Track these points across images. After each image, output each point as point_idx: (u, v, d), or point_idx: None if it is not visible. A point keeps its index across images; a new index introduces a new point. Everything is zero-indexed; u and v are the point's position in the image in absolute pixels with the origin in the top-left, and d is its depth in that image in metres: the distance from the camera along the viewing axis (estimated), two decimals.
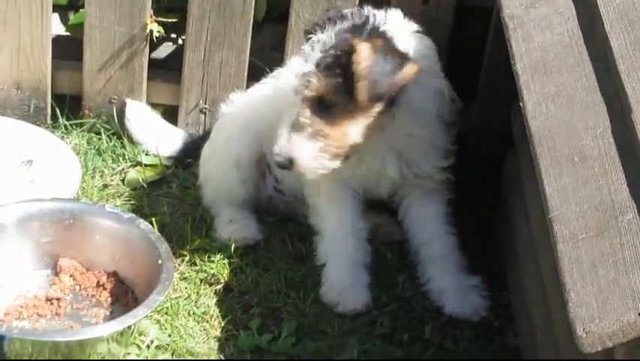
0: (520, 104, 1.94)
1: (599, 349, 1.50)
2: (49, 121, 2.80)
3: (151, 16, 2.63)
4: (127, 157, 2.71)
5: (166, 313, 2.35)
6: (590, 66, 1.91)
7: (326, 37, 2.25)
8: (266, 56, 2.78)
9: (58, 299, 2.34)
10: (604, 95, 1.85)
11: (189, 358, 2.27)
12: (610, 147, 1.76)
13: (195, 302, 2.40)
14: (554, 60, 1.97)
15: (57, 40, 2.81)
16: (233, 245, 2.52)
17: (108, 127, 2.74)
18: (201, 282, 2.45)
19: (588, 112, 1.84)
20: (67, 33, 2.87)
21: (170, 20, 2.71)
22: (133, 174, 2.68)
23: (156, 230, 2.44)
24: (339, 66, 2.22)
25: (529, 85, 1.95)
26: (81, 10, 2.69)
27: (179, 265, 2.47)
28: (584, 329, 1.51)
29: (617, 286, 1.56)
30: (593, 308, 1.52)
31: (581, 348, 1.50)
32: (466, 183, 2.67)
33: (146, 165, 2.74)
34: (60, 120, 2.80)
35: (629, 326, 1.49)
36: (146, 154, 2.77)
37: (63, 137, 2.75)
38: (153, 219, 2.51)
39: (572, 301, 1.55)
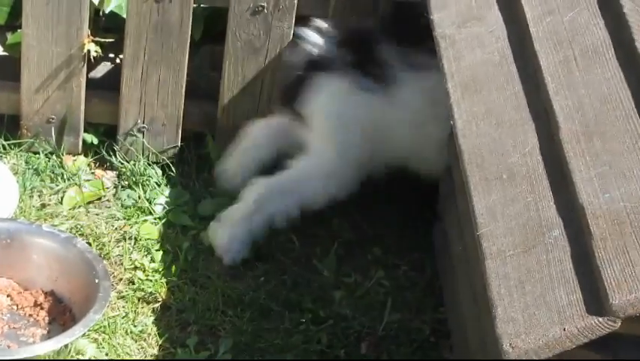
0: (451, 122, 1.95)
1: None
2: None
3: (88, 36, 2.61)
4: (65, 177, 2.68)
5: (103, 332, 2.33)
6: (519, 85, 1.93)
7: None
8: (204, 75, 2.77)
9: None
10: (532, 113, 1.86)
11: None
12: (538, 164, 1.78)
13: (133, 321, 2.38)
14: (485, 79, 1.98)
15: None
16: None
17: (47, 147, 2.70)
18: (139, 300, 2.43)
19: (517, 130, 1.85)
20: (5, 53, 2.84)
21: (107, 40, 2.68)
22: (71, 193, 2.65)
23: (94, 249, 2.43)
24: None
25: (459, 103, 1.96)
26: (19, 30, 2.66)
27: (116, 283, 2.45)
28: (510, 344, 1.52)
29: (543, 301, 1.57)
30: (520, 324, 1.54)
31: None
32: (406, 200, 2.67)
33: (86, 183, 2.70)
34: None
35: (555, 341, 1.50)
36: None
37: (1, 157, 2.72)
38: (91, 238, 2.50)
39: (498, 317, 1.56)
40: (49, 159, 2.72)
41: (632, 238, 1.58)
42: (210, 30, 2.78)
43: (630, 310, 1.51)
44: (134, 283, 2.46)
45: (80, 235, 2.51)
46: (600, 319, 1.52)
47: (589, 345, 1.56)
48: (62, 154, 2.73)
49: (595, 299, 1.54)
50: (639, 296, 1.51)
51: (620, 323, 1.52)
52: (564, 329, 1.52)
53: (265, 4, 2.55)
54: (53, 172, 2.70)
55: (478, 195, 1.78)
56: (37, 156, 2.72)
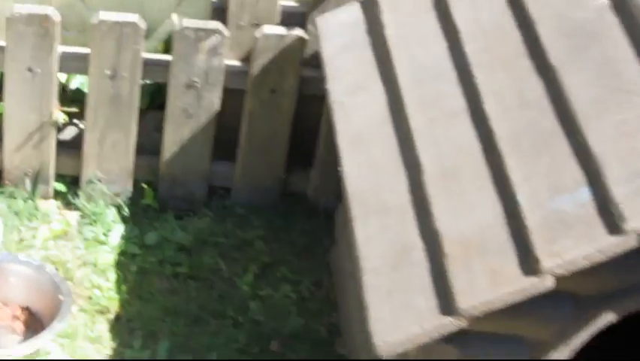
0: (339, 169, 1.91)
1: (394, 355, 1.48)
2: None
3: (57, 107, 2.54)
4: (39, 217, 2.59)
5: (67, 337, 2.26)
6: (395, 140, 1.88)
7: None
8: (150, 136, 2.71)
9: None
10: (404, 162, 1.82)
11: None
12: (407, 201, 1.74)
13: (91, 328, 2.32)
14: (368, 136, 1.94)
15: None
16: None
17: (24, 193, 2.62)
18: (96, 312, 2.36)
19: (391, 175, 1.82)
20: None
21: (72, 110, 2.62)
22: (44, 230, 2.56)
23: (60, 273, 2.37)
24: None
25: (347, 154, 1.92)
26: (1, 102, 2.57)
27: (78, 299, 2.37)
28: (380, 339, 1.49)
29: (407, 306, 1.55)
30: (388, 323, 1.52)
31: (380, 355, 1.48)
32: (307, 229, 2.63)
33: (56, 222, 2.62)
34: None
35: (415, 336, 1.50)
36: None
37: None
38: (58, 265, 2.43)
39: (371, 318, 1.53)
40: (26, 203, 2.62)
41: (476, 257, 1.56)
42: (155, 100, 2.72)
43: (474, 312, 1.48)
44: (92, 299, 2.38)
45: (50, 262, 2.42)
46: (451, 318, 1.50)
47: (449, 341, 1.55)
48: (37, 199, 2.63)
49: (447, 304, 1.52)
50: (481, 301, 1.49)
51: (466, 322, 1.50)
52: (422, 327, 1.49)
53: (197, 80, 2.49)
54: (29, 213, 2.60)
55: (358, 226, 1.74)
56: (17, 200, 2.61)
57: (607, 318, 1.57)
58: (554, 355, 1.60)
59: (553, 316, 1.56)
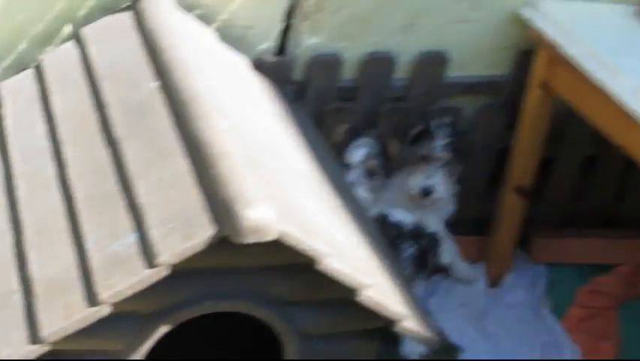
0: None
1: None
2: None
3: None
4: None
5: None
6: (6, 206, 2.26)
7: None
8: None
9: None
10: (12, 224, 2.20)
11: None
12: (12, 255, 2.12)
13: None
14: None
15: None
16: None
17: None
18: None
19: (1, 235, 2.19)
20: None
21: None
22: None
23: None
24: None
25: None
26: None
27: None
28: None
29: (6, 341, 1.90)
30: None
31: None
32: None
33: None
34: None
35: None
36: None
37: None
38: None
39: None
40: None
41: (57, 295, 1.91)
42: None
43: (53, 338, 1.86)
44: None
45: None
46: (36, 346, 1.89)
47: None
48: None
49: (34, 334, 1.86)
50: (57, 329, 1.87)
51: (50, 347, 1.90)
52: (15, 350, 1.89)
53: None
54: None
55: None
56: None
57: (163, 329, 2.05)
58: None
59: (120, 332, 2.01)
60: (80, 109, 2.37)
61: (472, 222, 3.41)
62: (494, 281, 3.41)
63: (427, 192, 3.07)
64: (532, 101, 3.09)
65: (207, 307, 2.02)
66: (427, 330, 2.17)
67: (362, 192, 3.07)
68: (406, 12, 3.08)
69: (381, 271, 2.21)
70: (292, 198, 2.13)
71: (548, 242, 3.45)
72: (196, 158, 2.07)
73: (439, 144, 3.07)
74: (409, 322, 2.11)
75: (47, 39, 2.79)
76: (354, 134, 3.12)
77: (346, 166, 3.08)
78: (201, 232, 1.83)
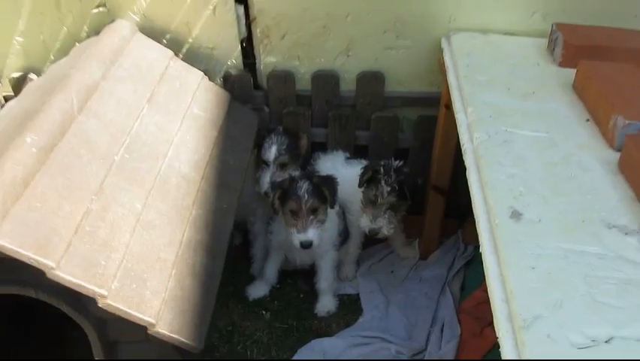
0: None
1: None
2: None
3: None
4: None
5: None
6: None
7: None
8: None
9: None
10: None
11: None
12: None
13: None
14: None
15: None
16: None
17: None
18: None
19: None
20: None
21: None
22: None
23: None
24: None
25: None
26: None
27: None
28: None
29: None
30: None
31: None
32: None
33: None
34: None
35: None
36: None
37: None
38: None
39: None
40: None
41: None
42: None
43: None
44: None
45: None
46: None
47: None
48: None
49: None
50: None
51: None
52: None
53: None
54: None
55: None
56: None
57: None
58: None
59: None
60: None
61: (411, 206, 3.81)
62: (424, 256, 3.91)
63: (373, 234, 3.48)
64: (442, 118, 3.53)
65: None
66: (191, 337, 2.40)
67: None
68: (341, 40, 3.65)
69: (165, 277, 2.48)
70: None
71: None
72: None
73: (386, 190, 3.34)
74: (161, 328, 2.35)
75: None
76: (265, 135, 3.58)
77: (266, 163, 3.56)
78: None
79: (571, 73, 2.85)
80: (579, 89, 2.73)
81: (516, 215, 2.11)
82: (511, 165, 2.35)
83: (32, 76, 3.65)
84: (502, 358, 1.71)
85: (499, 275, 1.94)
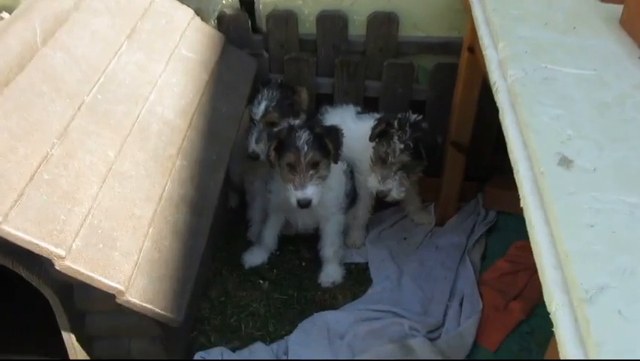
0: None
1: None
2: None
3: None
4: None
5: None
6: None
7: None
8: None
9: None
10: None
11: None
12: None
13: None
14: None
15: None
16: None
17: None
18: None
19: None
20: None
21: None
22: None
23: None
24: None
25: None
26: None
27: None
28: None
29: None
30: None
31: None
32: None
33: None
34: None
35: None
36: None
37: None
38: None
39: None
40: None
41: None
42: None
43: None
44: None
45: None
46: None
47: None
48: None
49: None
50: None
51: None
52: None
53: None
54: None
55: None
56: None
57: None
58: None
59: None
60: None
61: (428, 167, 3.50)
62: (440, 222, 3.52)
63: (381, 196, 3.09)
64: (463, 64, 3.13)
65: None
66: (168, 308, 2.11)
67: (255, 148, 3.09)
68: None
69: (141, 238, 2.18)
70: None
71: (499, 192, 3.47)
72: None
73: (398, 147, 2.99)
74: (131, 296, 2.06)
75: None
76: (259, 88, 3.17)
77: (254, 122, 3.14)
78: None
79: (614, 8, 2.56)
80: (628, 23, 2.42)
81: (565, 162, 1.74)
82: (554, 106, 2.01)
83: (4, 15, 3.23)
84: (558, 340, 1.31)
85: (547, 235, 1.56)
